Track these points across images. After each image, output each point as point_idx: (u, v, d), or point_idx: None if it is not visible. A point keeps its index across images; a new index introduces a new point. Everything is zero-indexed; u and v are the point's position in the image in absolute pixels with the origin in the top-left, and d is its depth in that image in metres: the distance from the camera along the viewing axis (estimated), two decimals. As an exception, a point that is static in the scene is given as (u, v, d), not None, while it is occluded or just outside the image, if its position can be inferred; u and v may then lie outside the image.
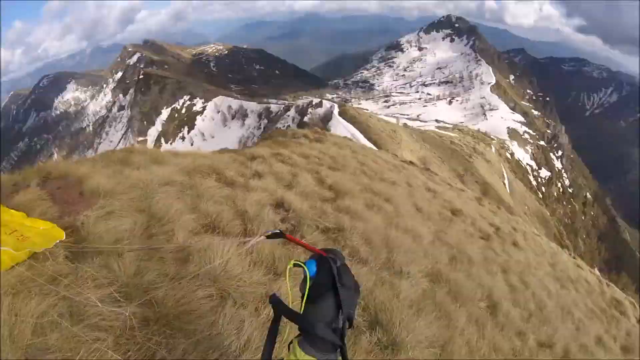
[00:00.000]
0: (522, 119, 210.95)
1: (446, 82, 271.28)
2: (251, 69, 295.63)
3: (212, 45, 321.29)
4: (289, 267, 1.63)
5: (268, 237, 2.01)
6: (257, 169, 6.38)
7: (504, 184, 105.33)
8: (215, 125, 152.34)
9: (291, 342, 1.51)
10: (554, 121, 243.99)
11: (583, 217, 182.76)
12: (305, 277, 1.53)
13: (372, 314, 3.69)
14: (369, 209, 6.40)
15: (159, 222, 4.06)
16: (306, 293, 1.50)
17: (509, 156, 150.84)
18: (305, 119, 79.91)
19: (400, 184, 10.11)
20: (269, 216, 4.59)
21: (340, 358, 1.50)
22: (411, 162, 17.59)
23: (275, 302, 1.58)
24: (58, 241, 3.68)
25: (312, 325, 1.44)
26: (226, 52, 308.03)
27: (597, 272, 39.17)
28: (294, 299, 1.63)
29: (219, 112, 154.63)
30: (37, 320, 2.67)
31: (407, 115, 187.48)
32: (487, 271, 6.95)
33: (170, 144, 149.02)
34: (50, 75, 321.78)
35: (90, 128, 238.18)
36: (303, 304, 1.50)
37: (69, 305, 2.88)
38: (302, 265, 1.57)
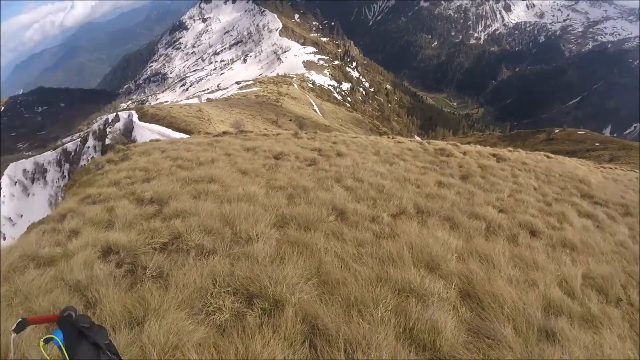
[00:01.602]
0: (314, 49, 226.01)
1: (236, 43, 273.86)
2: (34, 115, 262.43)
3: None
4: (41, 346, 1.57)
5: (17, 332, 1.80)
6: (71, 227, 5.71)
7: (315, 110, 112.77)
8: (18, 201, 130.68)
9: None
10: (342, 40, 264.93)
11: (389, 105, 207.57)
12: (59, 347, 1.53)
13: (244, 292, 3.71)
14: (197, 199, 6.27)
15: None
16: (66, 357, 1.50)
17: (311, 85, 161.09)
18: (107, 141, 73.36)
19: (219, 159, 10.09)
20: (102, 271, 4.17)
21: None
22: (225, 132, 17.60)
23: None
24: None
25: None
26: (2, 108, 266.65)
27: (416, 138, 44.41)
28: None
29: (15, 183, 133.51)
30: None
31: (208, 89, 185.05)
32: (324, 189, 7.39)
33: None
34: None
35: None
36: None
37: None
38: (52, 337, 1.56)
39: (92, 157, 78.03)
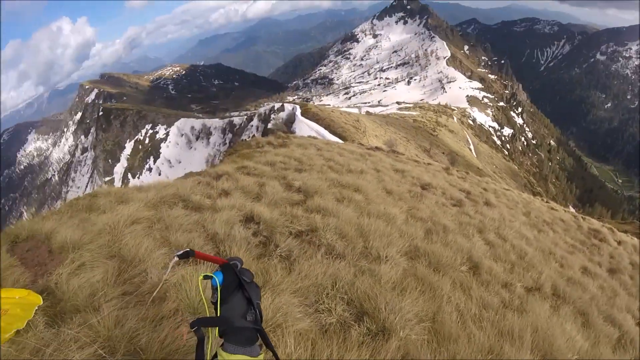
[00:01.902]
0: (480, 85, 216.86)
1: (403, 64, 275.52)
2: (210, 85, 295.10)
3: (168, 68, 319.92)
4: (199, 279, 1.74)
5: (180, 257, 2.00)
6: (224, 187, 6.37)
7: (470, 149, 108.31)
8: (180, 150, 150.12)
9: (215, 356, 1.59)
10: (510, 81, 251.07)
11: (550, 164, 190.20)
12: (215, 287, 1.64)
13: (357, 306, 3.72)
14: (340, 203, 6.43)
15: (131, 264, 4.00)
16: (218, 298, 1.62)
17: (471, 122, 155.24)
18: (269, 125, 79.43)
19: (368, 172, 10.24)
20: (240, 233, 4.59)
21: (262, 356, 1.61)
22: (377, 148, 17.81)
23: (195, 323, 1.65)
24: (36, 307, 3.61)
25: (230, 320, 1.57)
26: (183, 72, 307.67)
27: (571, 209, 40.31)
28: (209, 307, 1.75)
29: (182, 135, 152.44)
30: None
31: (369, 102, 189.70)
32: (464, 235, 7.07)
33: (138, 177, 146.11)
34: (10, 128, 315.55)
35: (56, 177, 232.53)
36: (219, 309, 1.61)
37: (56, 375, 2.84)
38: (212, 275, 1.67)
39: (254, 135, 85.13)
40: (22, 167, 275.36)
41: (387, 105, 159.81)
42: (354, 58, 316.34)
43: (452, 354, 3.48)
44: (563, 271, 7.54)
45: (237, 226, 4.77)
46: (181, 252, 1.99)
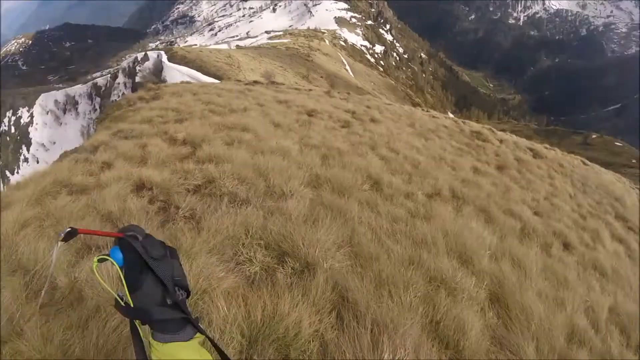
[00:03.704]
0: (346, 6, 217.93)
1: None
2: (62, 49, 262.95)
3: (13, 42, 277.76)
4: (94, 265, 1.35)
5: (65, 240, 1.42)
6: (104, 159, 5.72)
7: (347, 70, 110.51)
8: (51, 129, 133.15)
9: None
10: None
11: (424, 75, 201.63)
12: (119, 269, 1.31)
13: (276, 248, 3.61)
14: (230, 147, 6.13)
15: (35, 274, 3.46)
16: (125, 284, 1.29)
17: (343, 44, 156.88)
18: (137, 79, 73.55)
19: (252, 108, 9.93)
20: (135, 205, 4.18)
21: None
22: (256, 82, 17.38)
23: (117, 306, 1.33)
24: None
25: (147, 313, 1.28)
26: (30, 42, 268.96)
27: (450, 115, 43.63)
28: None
29: (47, 112, 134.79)
30: None
31: (237, 36, 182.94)
32: (358, 154, 7.25)
33: (17, 172, 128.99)
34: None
35: None
36: (129, 297, 1.29)
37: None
38: (108, 257, 1.33)
39: (123, 93, 78.56)
40: None
41: (257, 36, 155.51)
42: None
43: (377, 273, 3.51)
44: (456, 174, 8.10)
45: (130, 197, 4.33)
46: (63, 233, 1.42)
